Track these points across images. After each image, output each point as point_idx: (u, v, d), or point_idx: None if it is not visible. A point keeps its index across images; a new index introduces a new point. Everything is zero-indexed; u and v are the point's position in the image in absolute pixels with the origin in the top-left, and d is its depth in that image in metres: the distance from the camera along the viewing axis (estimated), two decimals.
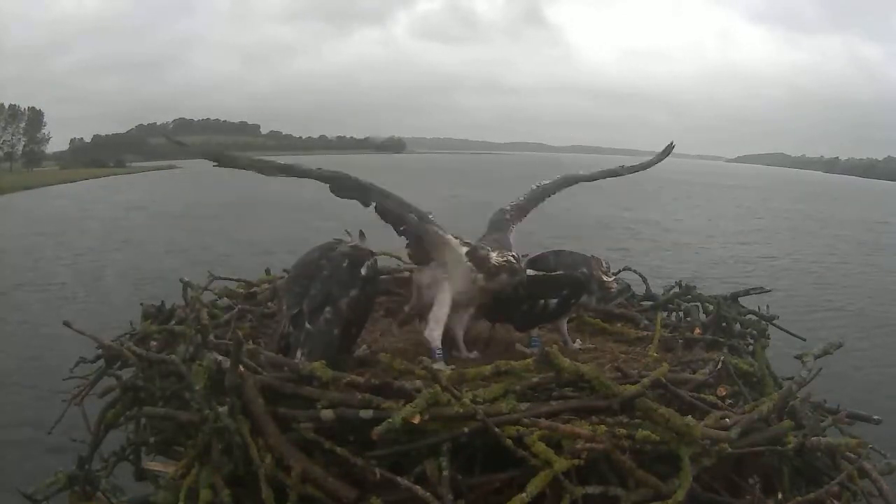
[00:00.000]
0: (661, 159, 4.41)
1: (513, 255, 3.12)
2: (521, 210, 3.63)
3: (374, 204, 3.12)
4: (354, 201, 3.13)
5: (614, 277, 3.41)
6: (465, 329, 3.31)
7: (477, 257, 3.08)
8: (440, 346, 3.08)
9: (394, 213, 3.13)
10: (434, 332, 3.11)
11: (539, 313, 3.38)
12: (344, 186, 3.08)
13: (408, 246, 3.30)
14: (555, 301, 3.34)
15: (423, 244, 3.20)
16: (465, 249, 3.12)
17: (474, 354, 3.33)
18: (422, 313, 3.28)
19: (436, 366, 2.80)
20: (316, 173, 3.05)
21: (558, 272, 3.38)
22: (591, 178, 4.01)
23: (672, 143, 4.44)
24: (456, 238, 3.17)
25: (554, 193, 3.81)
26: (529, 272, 3.42)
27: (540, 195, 3.74)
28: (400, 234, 3.23)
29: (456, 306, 3.16)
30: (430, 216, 3.19)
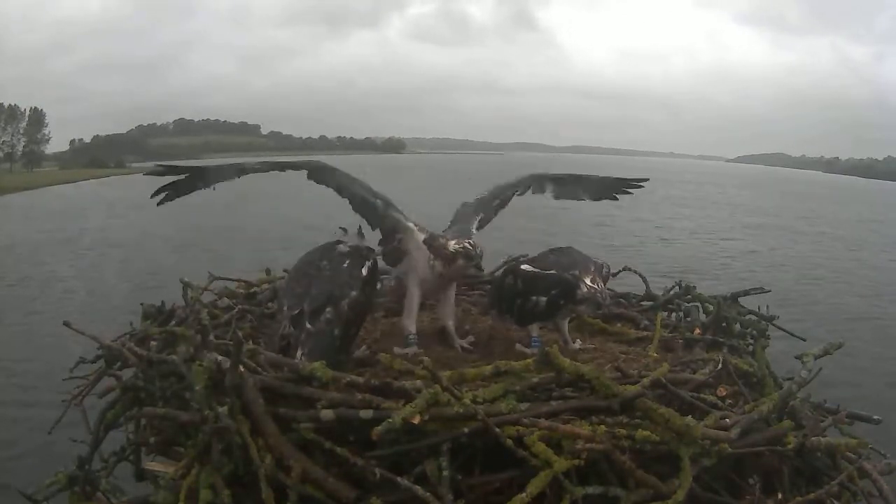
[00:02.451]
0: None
1: (469, 242, 3.25)
2: (485, 203, 3.74)
3: (345, 192, 3.30)
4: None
5: (592, 286, 3.35)
6: (455, 318, 3.50)
7: (434, 246, 3.24)
8: (413, 332, 3.31)
9: (360, 196, 3.30)
10: (407, 321, 3.33)
11: (531, 310, 3.40)
12: (317, 172, 3.27)
13: (380, 243, 3.41)
14: (545, 300, 3.35)
15: (390, 234, 3.35)
16: (423, 237, 3.29)
17: (468, 340, 3.49)
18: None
19: (408, 350, 3.21)
20: (291, 164, 3.28)
21: (550, 272, 3.39)
22: (559, 178, 4.06)
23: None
24: (416, 225, 3.33)
25: (520, 190, 3.91)
26: (526, 268, 3.46)
27: (504, 190, 3.83)
28: (370, 223, 3.36)
29: (423, 294, 3.38)
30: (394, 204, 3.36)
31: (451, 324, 3.47)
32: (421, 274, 3.30)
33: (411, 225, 3.33)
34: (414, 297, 3.34)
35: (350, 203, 3.34)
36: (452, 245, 3.23)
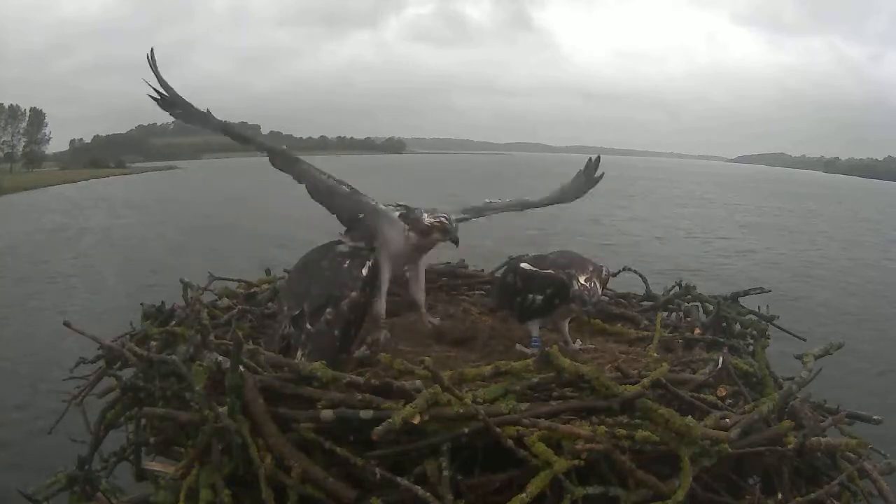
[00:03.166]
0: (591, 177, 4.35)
1: (445, 216, 3.37)
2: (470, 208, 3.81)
3: (305, 181, 3.37)
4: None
5: (584, 285, 3.35)
6: (423, 290, 3.64)
7: (410, 218, 3.36)
8: (384, 316, 3.39)
9: (325, 184, 3.37)
10: (377, 302, 3.36)
11: (529, 307, 3.42)
12: (279, 158, 3.37)
13: (347, 231, 3.43)
14: (541, 298, 3.37)
15: (357, 220, 3.37)
16: (398, 213, 3.38)
17: (437, 320, 3.63)
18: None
19: (379, 334, 3.33)
20: (257, 142, 3.47)
21: (547, 271, 3.40)
22: (541, 203, 4.16)
23: (597, 158, 4.40)
24: (388, 205, 3.42)
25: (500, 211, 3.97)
26: (525, 267, 3.47)
27: (483, 209, 3.90)
28: (334, 209, 3.40)
29: (396, 267, 3.46)
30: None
31: (421, 298, 3.62)
32: (393, 248, 3.37)
33: (380, 205, 3.42)
34: (385, 273, 3.42)
35: (312, 191, 3.39)
36: (427, 218, 3.35)
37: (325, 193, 3.38)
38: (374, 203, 3.40)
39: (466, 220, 3.72)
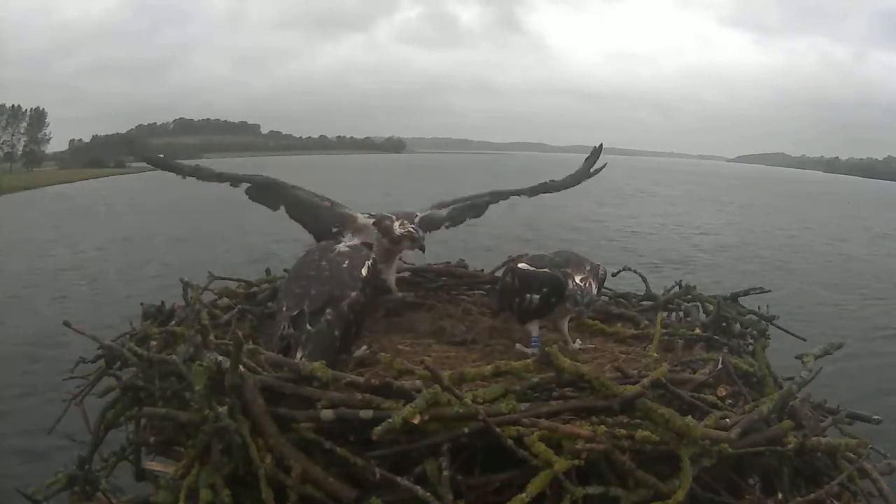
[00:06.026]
0: (591, 167, 4.59)
1: (413, 227, 3.58)
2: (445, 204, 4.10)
3: (283, 206, 3.91)
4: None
5: (578, 284, 3.34)
6: (394, 274, 3.89)
7: (381, 226, 3.61)
8: (395, 288, 3.81)
9: (307, 202, 3.86)
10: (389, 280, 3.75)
11: (527, 307, 3.42)
12: (261, 188, 3.91)
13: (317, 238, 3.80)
14: (538, 297, 3.37)
15: (331, 233, 3.74)
16: (371, 220, 3.68)
17: (405, 295, 3.97)
18: None
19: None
20: (241, 177, 3.93)
21: (543, 270, 3.40)
22: (520, 192, 4.37)
23: (600, 145, 4.66)
24: (363, 214, 3.78)
25: (480, 209, 4.25)
26: (523, 267, 3.47)
27: (465, 209, 4.17)
28: (316, 224, 3.85)
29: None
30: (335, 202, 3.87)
31: (392, 279, 3.86)
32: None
33: (358, 214, 3.77)
34: None
35: (293, 210, 3.89)
36: (398, 228, 3.55)
37: (308, 210, 3.84)
38: (349, 211, 3.79)
39: (445, 221, 3.99)
